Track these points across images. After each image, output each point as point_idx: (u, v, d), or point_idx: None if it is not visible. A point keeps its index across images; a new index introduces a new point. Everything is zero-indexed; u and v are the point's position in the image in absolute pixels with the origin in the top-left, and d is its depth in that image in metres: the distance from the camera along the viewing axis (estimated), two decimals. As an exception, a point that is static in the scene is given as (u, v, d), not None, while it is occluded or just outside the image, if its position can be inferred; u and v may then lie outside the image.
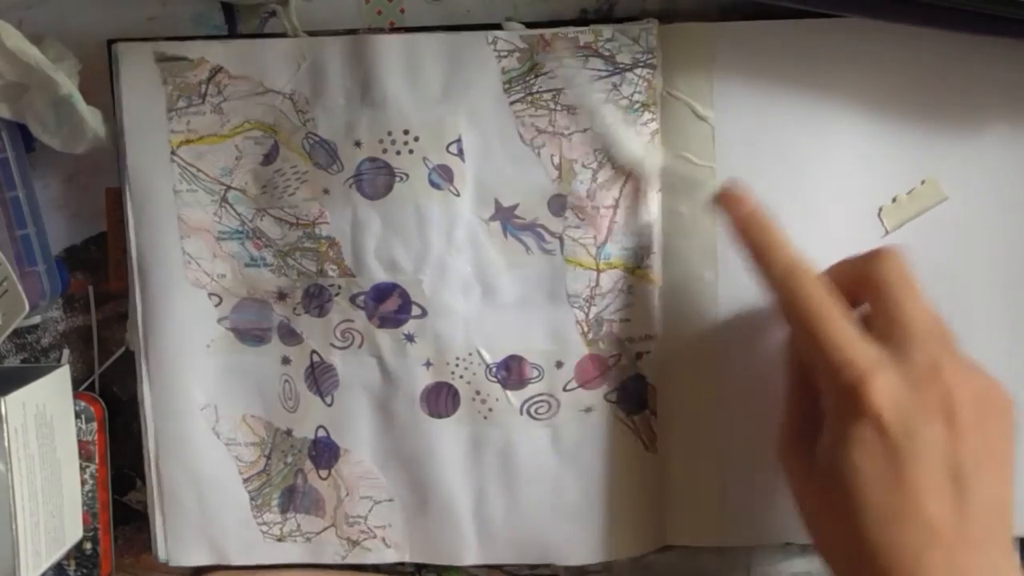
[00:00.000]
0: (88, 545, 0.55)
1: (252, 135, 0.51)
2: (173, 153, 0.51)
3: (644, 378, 0.52)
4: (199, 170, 0.52)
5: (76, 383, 0.54)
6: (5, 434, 0.47)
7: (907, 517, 0.40)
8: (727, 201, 0.47)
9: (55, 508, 0.51)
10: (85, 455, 0.54)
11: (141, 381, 0.53)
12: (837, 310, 0.43)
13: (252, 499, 0.54)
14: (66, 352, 0.55)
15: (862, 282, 0.44)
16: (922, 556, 0.39)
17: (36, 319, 0.55)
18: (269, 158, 0.51)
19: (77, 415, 0.54)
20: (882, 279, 0.44)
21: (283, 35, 0.51)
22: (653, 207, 0.51)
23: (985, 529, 0.40)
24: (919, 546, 0.39)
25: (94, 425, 0.54)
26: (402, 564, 0.56)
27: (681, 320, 0.52)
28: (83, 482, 0.54)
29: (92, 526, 0.55)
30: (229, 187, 0.52)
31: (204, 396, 0.53)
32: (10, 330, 0.48)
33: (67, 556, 0.54)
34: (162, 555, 0.54)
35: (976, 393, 0.41)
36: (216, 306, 0.53)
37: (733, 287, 0.51)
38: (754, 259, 0.46)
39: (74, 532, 0.53)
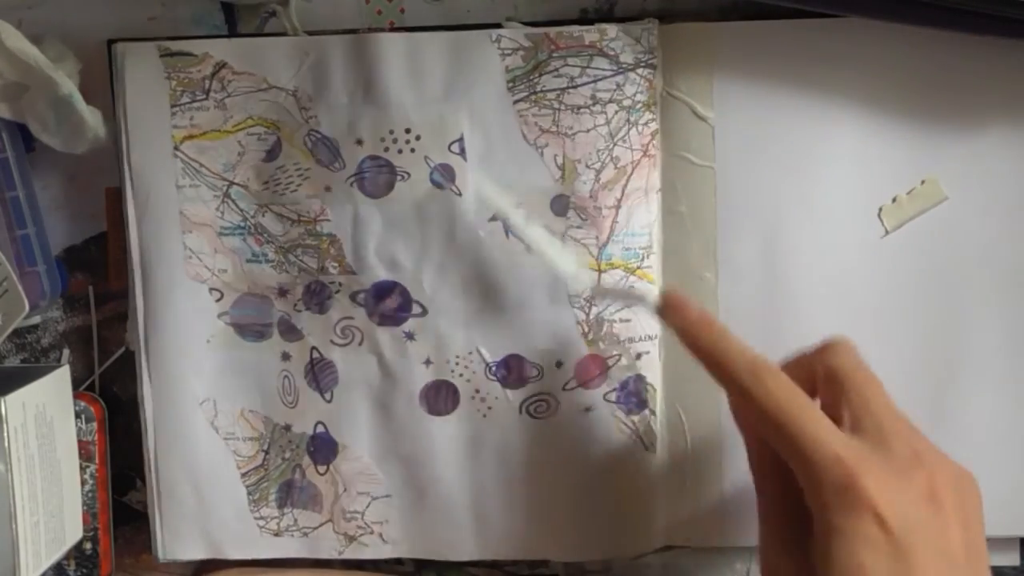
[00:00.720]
0: (88, 545, 0.55)
1: (255, 131, 0.51)
2: (176, 148, 0.52)
3: (644, 378, 0.52)
4: (202, 165, 0.52)
5: (76, 383, 0.54)
6: (5, 434, 0.47)
7: None
8: (671, 309, 0.46)
9: (55, 508, 0.51)
10: (85, 455, 0.54)
11: (141, 377, 0.53)
12: (810, 404, 0.42)
13: (249, 494, 0.54)
14: (66, 352, 0.55)
15: (817, 376, 0.44)
16: None
17: (36, 319, 0.55)
18: (271, 154, 0.51)
19: (77, 415, 0.54)
20: (843, 372, 0.43)
21: (283, 35, 0.51)
22: (653, 207, 0.51)
23: None
24: None
25: (94, 425, 0.54)
26: (401, 563, 0.56)
27: (681, 320, 0.52)
28: (83, 482, 0.54)
29: (92, 526, 0.55)
30: (232, 183, 0.52)
31: (203, 390, 0.53)
32: (10, 330, 0.48)
33: (67, 556, 0.54)
34: (160, 550, 0.54)
35: (953, 478, 0.41)
36: (217, 301, 0.53)
37: (733, 287, 0.52)
38: (710, 364, 0.44)
39: (74, 532, 0.53)
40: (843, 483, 0.39)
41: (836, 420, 0.42)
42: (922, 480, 0.40)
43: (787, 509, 0.44)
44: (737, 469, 0.52)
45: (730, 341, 0.44)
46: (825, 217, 0.51)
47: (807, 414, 0.41)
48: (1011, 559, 0.54)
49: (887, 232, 0.51)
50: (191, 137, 0.51)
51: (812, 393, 0.43)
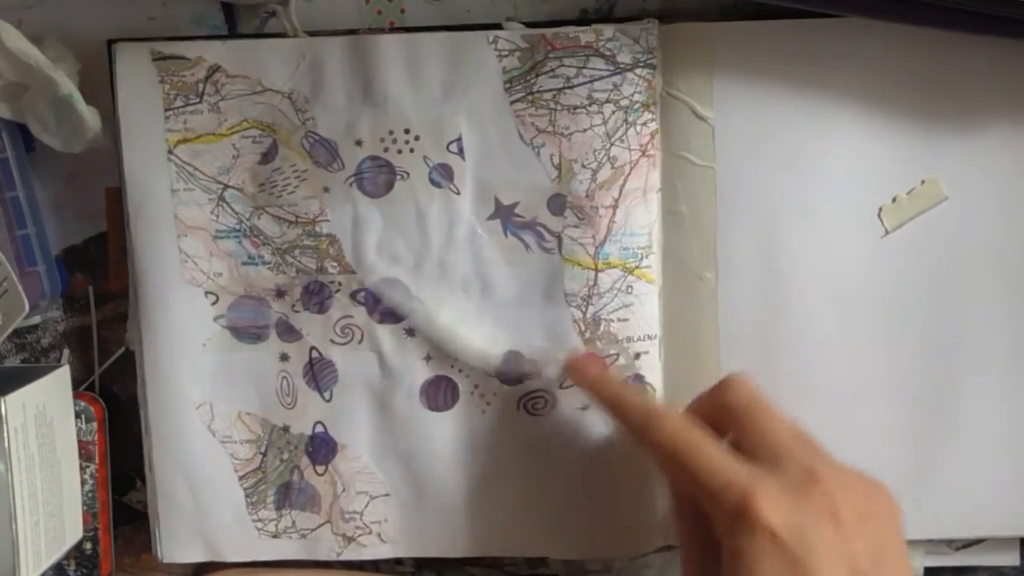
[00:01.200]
0: (88, 545, 0.55)
1: (250, 134, 0.51)
2: (170, 152, 0.51)
3: (643, 378, 0.52)
4: (196, 169, 0.52)
5: (76, 383, 0.54)
6: (5, 434, 0.47)
7: None
8: (574, 371, 0.50)
9: (55, 508, 0.51)
10: (85, 455, 0.54)
11: (141, 380, 0.53)
12: (704, 439, 0.44)
13: (247, 496, 0.54)
14: (66, 352, 0.55)
15: (719, 413, 0.46)
16: None
17: (36, 319, 0.55)
18: (267, 157, 0.51)
19: (77, 415, 0.54)
20: (735, 405, 0.46)
21: (283, 35, 0.51)
22: (653, 207, 0.51)
23: None
24: None
25: (94, 425, 0.54)
26: (401, 563, 0.56)
27: (681, 320, 0.52)
28: (83, 482, 0.54)
29: (92, 526, 0.55)
30: (226, 186, 0.52)
31: (200, 394, 0.53)
32: (10, 330, 0.48)
33: (67, 556, 0.54)
34: (158, 553, 0.54)
35: (857, 495, 0.42)
36: (213, 304, 0.53)
37: (733, 287, 0.51)
38: (613, 414, 0.48)
39: (74, 532, 0.53)
40: (737, 506, 0.41)
41: (741, 452, 0.44)
42: (818, 496, 0.41)
43: (705, 548, 0.45)
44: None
45: (628, 395, 0.48)
46: (825, 217, 0.51)
47: (701, 448, 0.43)
48: (1011, 559, 0.54)
49: (887, 232, 0.51)
50: (185, 141, 0.51)
51: (720, 431, 0.45)
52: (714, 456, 0.43)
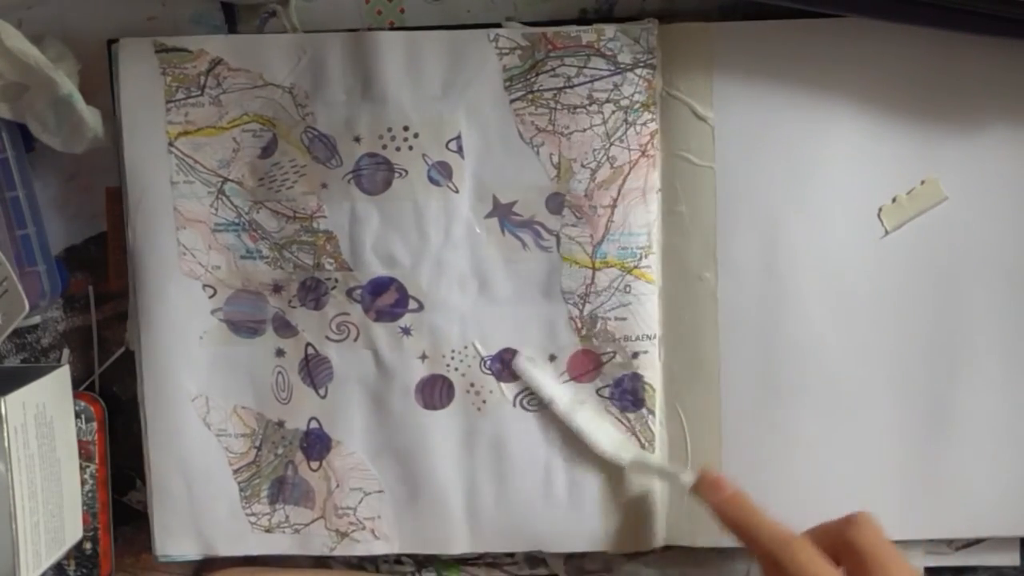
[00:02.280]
0: (88, 545, 0.55)
1: (250, 128, 0.51)
2: (171, 144, 0.52)
3: (642, 377, 0.52)
4: (196, 162, 0.52)
5: (76, 383, 0.54)
6: (5, 434, 0.47)
7: None
8: (705, 488, 0.49)
9: (55, 508, 0.51)
10: (85, 455, 0.54)
11: (140, 377, 0.53)
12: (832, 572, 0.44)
13: (241, 490, 0.54)
14: (66, 352, 0.55)
15: (841, 546, 0.46)
16: None
17: (36, 319, 0.55)
18: (267, 151, 0.51)
19: (77, 415, 0.54)
20: (863, 546, 0.45)
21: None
22: (652, 207, 0.51)
23: None
24: None
25: (94, 425, 0.54)
26: (401, 563, 0.56)
27: (681, 320, 0.52)
28: (83, 482, 0.54)
29: (92, 526, 0.55)
30: (226, 179, 0.52)
31: (196, 387, 0.53)
32: (10, 330, 0.48)
33: (67, 556, 0.54)
34: (154, 548, 0.54)
35: None
36: (210, 298, 0.53)
37: (733, 287, 0.51)
38: (744, 537, 0.48)
39: (74, 532, 0.53)
40: None
41: None
42: None
43: None
44: (737, 469, 0.52)
45: (762, 517, 0.47)
46: (825, 217, 0.51)
47: None
48: (1011, 559, 0.54)
49: (887, 232, 0.51)
50: (186, 133, 0.52)
51: (835, 560, 0.45)
52: None
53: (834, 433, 0.52)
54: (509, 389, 0.52)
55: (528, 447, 0.53)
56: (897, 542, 0.54)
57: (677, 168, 0.51)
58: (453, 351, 0.52)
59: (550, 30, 0.50)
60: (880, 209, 0.51)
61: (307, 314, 0.52)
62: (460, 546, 0.54)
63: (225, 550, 0.55)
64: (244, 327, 0.53)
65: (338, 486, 0.54)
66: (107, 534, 0.55)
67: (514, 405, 0.52)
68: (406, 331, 0.52)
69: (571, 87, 0.50)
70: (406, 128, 0.50)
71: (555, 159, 0.50)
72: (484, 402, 0.53)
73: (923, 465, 0.52)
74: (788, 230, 0.51)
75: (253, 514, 0.54)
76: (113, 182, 0.53)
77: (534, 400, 0.52)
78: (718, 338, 0.52)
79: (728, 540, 0.53)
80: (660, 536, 0.53)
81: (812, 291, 0.51)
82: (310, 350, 0.53)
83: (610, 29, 0.50)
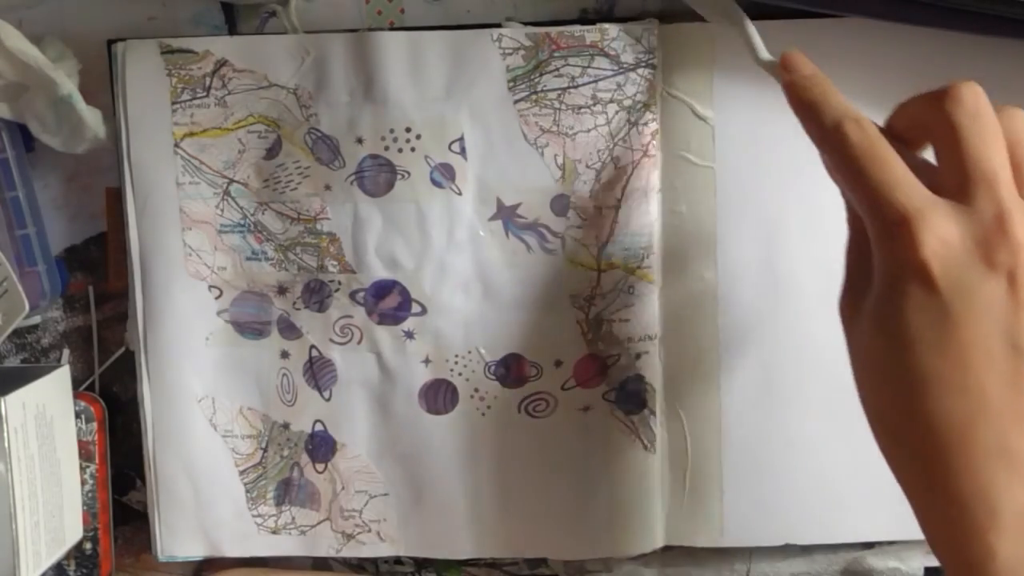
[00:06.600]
0: (88, 545, 0.55)
1: (255, 129, 0.51)
2: (176, 145, 0.52)
3: (643, 378, 0.52)
4: (202, 163, 0.52)
5: (76, 383, 0.54)
6: (5, 434, 0.47)
7: (954, 385, 0.35)
8: (788, 63, 0.42)
9: (55, 508, 0.51)
10: (85, 455, 0.54)
11: (141, 375, 0.53)
12: (887, 151, 0.37)
13: (247, 491, 0.54)
14: (66, 352, 0.55)
15: (932, 120, 0.38)
16: (968, 428, 0.34)
17: (36, 319, 0.55)
18: (271, 152, 0.51)
19: (77, 415, 0.54)
20: (949, 119, 0.37)
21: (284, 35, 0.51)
22: (653, 207, 0.51)
23: None
24: (966, 417, 0.34)
25: (94, 425, 0.54)
26: (401, 563, 0.56)
27: (681, 320, 0.52)
28: (83, 482, 0.54)
29: (92, 526, 0.55)
30: (232, 180, 0.52)
31: (202, 388, 0.53)
32: (10, 330, 0.49)
33: (67, 556, 0.54)
34: (158, 548, 0.54)
35: None
36: (216, 299, 0.53)
37: (733, 287, 0.52)
38: (804, 119, 0.40)
39: (74, 532, 0.53)
40: (893, 230, 0.35)
41: (938, 177, 0.37)
42: (1000, 247, 0.35)
43: (860, 264, 0.39)
44: (737, 469, 0.52)
45: (829, 95, 0.40)
46: (825, 217, 0.51)
47: (879, 157, 0.37)
48: (1011, 559, 0.54)
49: (887, 232, 0.51)
50: (191, 134, 0.52)
51: (920, 142, 0.39)
52: (891, 170, 0.36)
53: (834, 433, 0.52)
54: (513, 395, 0.52)
55: (533, 453, 0.53)
56: (897, 542, 0.54)
57: (677, 168, 0.51)
58: (457, 356, 0.52)
59: (553, 30, 0.50)
60: (880, 209, 0.51)
61: (311, 316, 0.52)
62: (465, 551, 0.54)
63: (231, 551, 0.55)
64: (249, 328, 0.53)
65: (343, 488, 0.54)
66: (107, 534, 0.55)
67: (519, 411, 0.52)
68: (409, 335, 0.52)
69: (575, 87, 0.50)
70: (408, 129, 0.50)
71: (560, 160, 0.50)
72: (488, 407, 0.53)
73: (923, 465, 0.52)
74: (788, 230, 0.51)
75: (259, 515, 0.54)
76: (113, 182, 0.53)
77: (540, 406, 0.52)
78: (718, 338, 0.52)
79: (728, 540, 0.53)
80: (660, 536, 0.53)
81: (812, 291, 0.51)
82: (314, 352, 0.53)
83: (613, 29, 0.49)
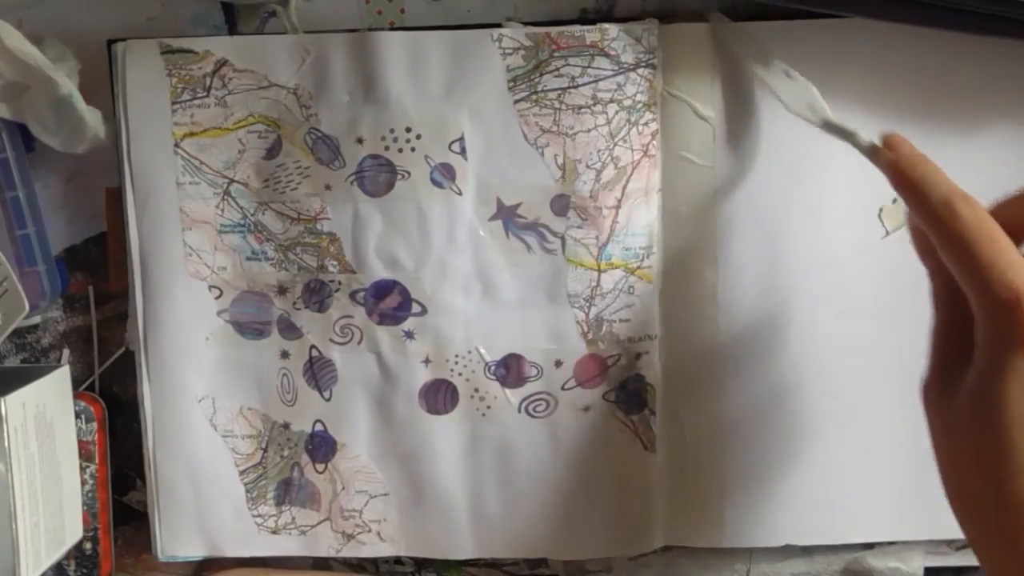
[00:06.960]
0: (88, 545, 0.55)
1: (255, 129, 0.51)
2: (176, 145, 0.52)
3: (643, 378, 0.52)
4: (202, 163, 0.52)
5: (76, 383, 0.54)
6: (5, 434, 0.47)
7: None
8: (891, 143, 0.43)
9: (55, 508, 0.51)
10: (85, 455, 0.54)
11: (141, 375, 0.53)
12: (998, 231, 0.38)
13: (248, 491, 0.54)
14: (66, 352, 0.55)
15: None
16: None
17: (36, 319, 0.55)
18: (272, 152, 0.51)
19: (77, 415, 0.54)
20: None
21: (284, 35, 0.51)
22: (653, 207, 0.51)
23: None
24: None
25: (94, 425, 0.54)
26: (401, 563, 0.56)
27: (681, 320, 0.52)
28: (83, 482, 0.54)
29: (92, 526, 0.55)
30: (232, 180, 0.52)
31: (202, 388, 0.53)
32: (10, 330, 0.48)
33: (67, 556, 0.54)
34: (158, 548, 0.54)
35: None
36: (216, 299, 0.53)
37: (733, 287, 0.52)
38: (910, 197, 0.41)
39: (74, 532, 0.53)
40: (1006, 309, 0.36)
41: None
42: None
43: (954, 343, 0.41)
44: (737, 469, 0.52)
45: (934, 174, 0.41)
46: (825, 218, 0.51)
47: (991, 238, 0.38)
48: (1011, 559, 0.54)
49: (887, 233, 0.51)
50: (192, 134, 0.52)
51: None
52: (1003, 251, 0.37)
53: (834, 433, 0.52)
54: (514, 395, 0.52)
55: (533, 454, 0.53)
56: (897, 542, 0.54)
57: (677, 168, 0.51)
58: (457, 356, 0.52)
59: (554, 30, 0.50)
60: (881, 210, 0.51)
61: (311, 316, 0.52)
62: (466, 551, 0.54)
63: (232, 551, 0.55)
64: (249, 328, 0.53)
65: (344, 488, 0.54)
66: (107, 534, 0.55)
67: (519, 411, 0.52)
68: (409, 335, 0.52)
69: (575, 87, 0.50)
70: (408, 129, 0.50)
71: (560, 160, 0.50)
72: (489, 408, 0.52)
73: (923, 465, 0.52)
74: (788, 230, 0.51)
75: (260, 515, 0.54)
76: (113, 182, 0.53)
77: (540, 406, 0.52)
78: (718, 338, 0.52)
79: (728, 540, 0.53)
80: (660, 536, 0.53)
81: (812, 291, 0.51)
82: (314, 352, 0.53)
83: (614, 29, 0.49)
